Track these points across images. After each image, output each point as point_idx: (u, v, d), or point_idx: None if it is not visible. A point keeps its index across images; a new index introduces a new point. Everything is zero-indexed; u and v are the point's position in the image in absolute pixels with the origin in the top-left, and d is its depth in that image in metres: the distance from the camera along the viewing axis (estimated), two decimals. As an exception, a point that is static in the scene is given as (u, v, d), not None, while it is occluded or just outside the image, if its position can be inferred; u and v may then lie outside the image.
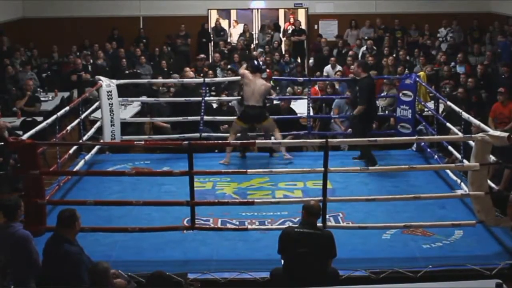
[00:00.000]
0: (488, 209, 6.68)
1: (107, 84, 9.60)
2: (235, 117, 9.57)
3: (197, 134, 9.78)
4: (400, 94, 9.90)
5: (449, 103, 9.03)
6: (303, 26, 17.63)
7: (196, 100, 9.96)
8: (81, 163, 8.89)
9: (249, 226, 6.93)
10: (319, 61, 15.37)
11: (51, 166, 8.57)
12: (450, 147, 8.79)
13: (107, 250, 6.52)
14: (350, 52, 14.92)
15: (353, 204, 7.54)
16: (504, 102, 9.88)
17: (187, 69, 10.91)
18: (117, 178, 8.31)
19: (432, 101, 10.30)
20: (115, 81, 9.96)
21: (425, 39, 16.45)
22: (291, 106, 10.81)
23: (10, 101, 11.92)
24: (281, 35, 17.72)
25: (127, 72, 14.13)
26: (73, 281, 5.05)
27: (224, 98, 10.92)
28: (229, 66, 13.71)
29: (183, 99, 9.98)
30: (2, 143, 8.17)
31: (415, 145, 9.93)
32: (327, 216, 6.58)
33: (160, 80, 12.16)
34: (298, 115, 10.50)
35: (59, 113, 8.47)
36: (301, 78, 11.64)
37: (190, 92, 10.18)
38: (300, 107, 10.74)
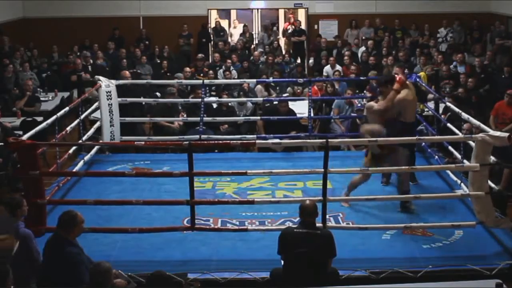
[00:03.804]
0: (488, 210, 6.67)
1: (106, 84, 9.59)
2: (234, 118, 9.46)
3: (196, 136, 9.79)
4: (401, 95, 9.87)
5: (448, 103, 9.01)
6: (303, 26, 17.61)
7: (134, 101, 10.31)
8: (81, 163, 8.89)
9: (249, 226, 6.93)
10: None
11: (51, 166, 8.56)
12: (450, 147, 8.79)
13: (107, 250, 6.52)
14: (347, 52, 14.91)
15: (353, 204, 7.56)
16: (511, 103, 9.83)
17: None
18: (117, 178, 8.28)
19: (433, 101, 10.29)
20: (114, 82, 9.96)
21: (425, 39, 16.44)
22: (290, 106, 10.70)
23: (10, 101, 11.90)
24: (280, 36, 17.70)
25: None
26: (73, 282, 5.05)
27: (225, 99, 10.91)
28: (231, 68, 13.69)
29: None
30: (2, 143, 8.16)
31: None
32: (327, 216, 6.58)
33: (158, 81, 12.17)
34: (298, 115, 10.47)
35: (59, 114, 8.48)
36: (301, 79, 11.60)
37: (126, 91, 10.31)
38: (300, 107, 10.71)
